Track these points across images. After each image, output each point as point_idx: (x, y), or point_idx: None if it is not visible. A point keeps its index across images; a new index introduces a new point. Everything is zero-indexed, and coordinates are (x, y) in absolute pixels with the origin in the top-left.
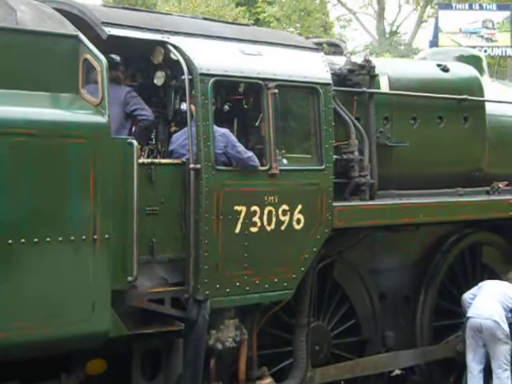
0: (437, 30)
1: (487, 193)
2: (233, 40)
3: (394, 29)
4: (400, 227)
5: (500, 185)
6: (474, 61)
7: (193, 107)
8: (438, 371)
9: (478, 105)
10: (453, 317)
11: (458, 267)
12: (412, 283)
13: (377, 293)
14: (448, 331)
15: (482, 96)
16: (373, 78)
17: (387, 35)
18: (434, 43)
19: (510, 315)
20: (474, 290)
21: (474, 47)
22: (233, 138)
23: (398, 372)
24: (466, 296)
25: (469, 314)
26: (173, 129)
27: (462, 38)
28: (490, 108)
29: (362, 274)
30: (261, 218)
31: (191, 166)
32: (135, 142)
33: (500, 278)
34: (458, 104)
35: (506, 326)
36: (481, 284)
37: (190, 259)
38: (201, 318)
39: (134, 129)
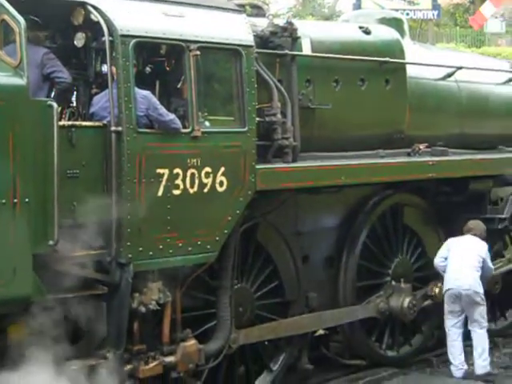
0: None
1: (408, 154)
2: (155, 1)
3: None
4: (322, 189)
5: (420, 146)
6: (396, 23)
7: (114, 69)
8: (361, 331)
9: (399, 67)
10: (375, 277)
11: (380, 228)
12: (335, 245)
13: (300, 254)
14: (370, 291)
15: (403, 58)
16: (295, 40)
17: None
18: (358, 6)
19: (481, 273)
20: (442, 252)
21: (397, 10)
22: (154, 100)
23: (321, 332)
24: (438, 260)
25: (449, 286)
26: (94, 91)
27: (384, 0)
28: (411, 71)
29: (285, 235)
30: (183, 181)
31: (112, 128)
32: (55, 105)
33: (420, 239)
34: (380, 66)
35: (481, 289)
36: (448, 244)
37: (112, 222)
38: (124, 282)
39: (54, 91)
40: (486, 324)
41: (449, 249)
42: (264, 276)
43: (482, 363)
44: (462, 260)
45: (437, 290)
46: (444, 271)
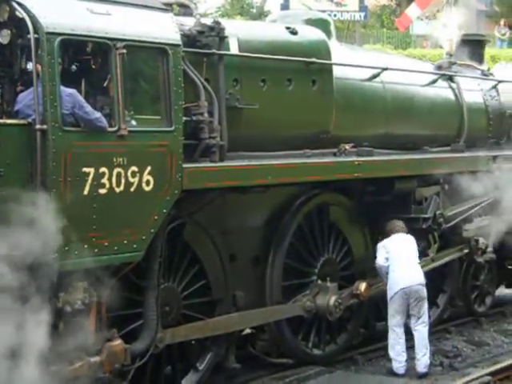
0: None
1: (334, 154)
2: None
3: None
4: (250, 188)
5: (346, 146)
6: (322, 24)
7: (39, 67)
8: (287, 329)
9: (326, 68)
10: (301, 276)
11: (307, 227)
12: (262, 244)
13: (227, 253)
14: (297, 290)
15: (330, 59)
16: (222, 39)
17: None
18: (286, 6)
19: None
20: (382, 253)
21: (324, 11)
22: (80, 98)
23: (248, 331)
24: (381, 262)
25: (402, 285)
26: (19, 88)
27: (312, 1)
28: (337, 71)
29: (212, 234)
30: (109, 180)
31: (37, 126)
32: None
33: (346, 238)
34: (307, 67)
35: (424, 281)
36: (385, 246)
37: (37, 222)
38: (46, 281)
39: None
40: (427, 322)
41: (388, 250)
42: (191, 275)
43: (426, 361)
44: (408, 258)
45: (362, 289)
46: (387, 272)
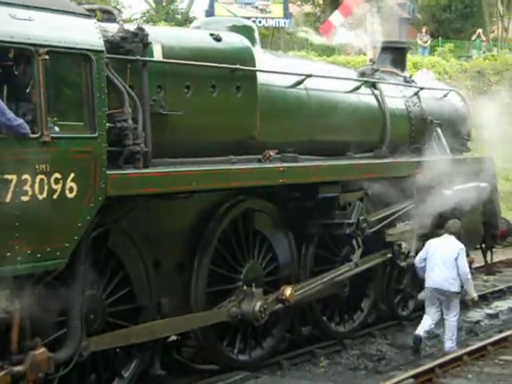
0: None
1: (259, 161)
2: (2, 4)
3: None
4: (174, 195)
5: (271, 153)
6: (247, 31)
7: None
8: (213, 335)
9: (250, 74)
10: (227, 282)
11: (232, 233)
12: (187, 250)
13: (151, 260)
14: (223, 296)
15: (254, 66)
16: (146, 46)
17: (164, 3)
18: (210, 13)
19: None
20: (422, 253)
21: (249, 18)
22: (2, 104)
23: (173, 338)
24: (417, 261)
25: (431, 285)
26: None
27: (237, 8)
28: (261, 78)
29: (136, 241)
30: (32, 187)
31: None
32: None
33: (271, 244)
34: (231, 73)
35: (457, 285)
36: (427, 246)
37: None
38: None
39: None
40: (458, 313)
41: (427, 250)
42: (115, 282)
43: (449, 345)
44: (442, 259)
45: (287, 294)
46: (423, 271)
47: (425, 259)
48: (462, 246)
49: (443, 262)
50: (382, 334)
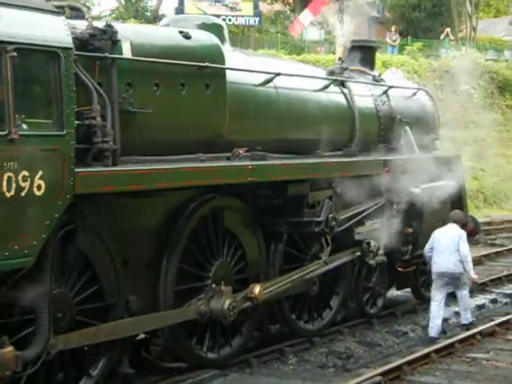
0: None
1: (228, 159)
2: None
3: None
4: (144, 192)
5: (240, 151)
6: (216, 29)
7: None
8: (182, 333)
9: (219, 72)
10: (196, 280)
11: (201, 231)
12: (156, 248)
13: (120, 258)
14: (192, 294)
15: (223, 64)
16: (115, 43)
17: (133, 1)
18: (180, 10)
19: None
20: (429, 242)
21: (219, 16)
22: None
23: (142, 336)
24: (426, 250)
25: (437, 271)
26: None
27: (207, 6)
28: (231, 76)
29: (105, 239)
30: (0, 185)
31: None
32: None
33: (240, 242)
34: (200, 71)
35: (461, 267)
36: (433, 236)
37: None
38: None
39: None
40: (466, 289)
41: (434, 238)
42: (83, 281)
43: (466, 317)
44: (447, 246)
45: (256, 292)
46: (430, 258)
47: (432, 248)
48: (462, 232)
49: (447, 248)
50: (350, 332)
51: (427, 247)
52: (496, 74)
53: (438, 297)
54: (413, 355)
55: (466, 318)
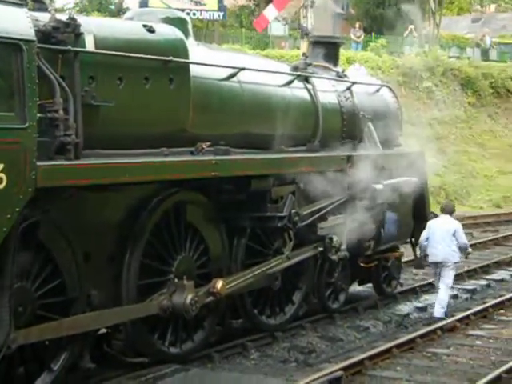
0: None
1: (191, 153)
2: None
3: None
4: (106, 187)
5: (203, 145)
6: (180, 23)
7: None
8: (143, 328)
9: (183, 67)
10: (158, 275)
11: (164, 226)
12: (118, 242)
13: (82, 252)
14: (154, 289)
15: (187, 58)
16: (78, 36)
17: None
18: (144, 4)
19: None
20: (425, 232)
21: (183, 10)
22: None
23: (104, 330)
24: (422, 240)
25: (433, 261)
26: None
27: (171, 0)
28: (195, 70)
29: (67, 233)
30: None
31: None
32: None
33: (203, 236)
34: (164, 65)
35: (457, 256)
36: (429, 226)
37: None
38: None
39: None
40: (448, 286)
41: (429, 228)
42: (45, 275)
43: (438, 311)
44: (441, 236)
45: (219, 287)
46: (426, 247)
47: (428, 238)
48: (457, 223)
49: (443, 239)
50: (312, 327)
51: (423, 237)
52: (458, 71)
53: (437, 281)
54: (374, 350)
55: (438, 312)
